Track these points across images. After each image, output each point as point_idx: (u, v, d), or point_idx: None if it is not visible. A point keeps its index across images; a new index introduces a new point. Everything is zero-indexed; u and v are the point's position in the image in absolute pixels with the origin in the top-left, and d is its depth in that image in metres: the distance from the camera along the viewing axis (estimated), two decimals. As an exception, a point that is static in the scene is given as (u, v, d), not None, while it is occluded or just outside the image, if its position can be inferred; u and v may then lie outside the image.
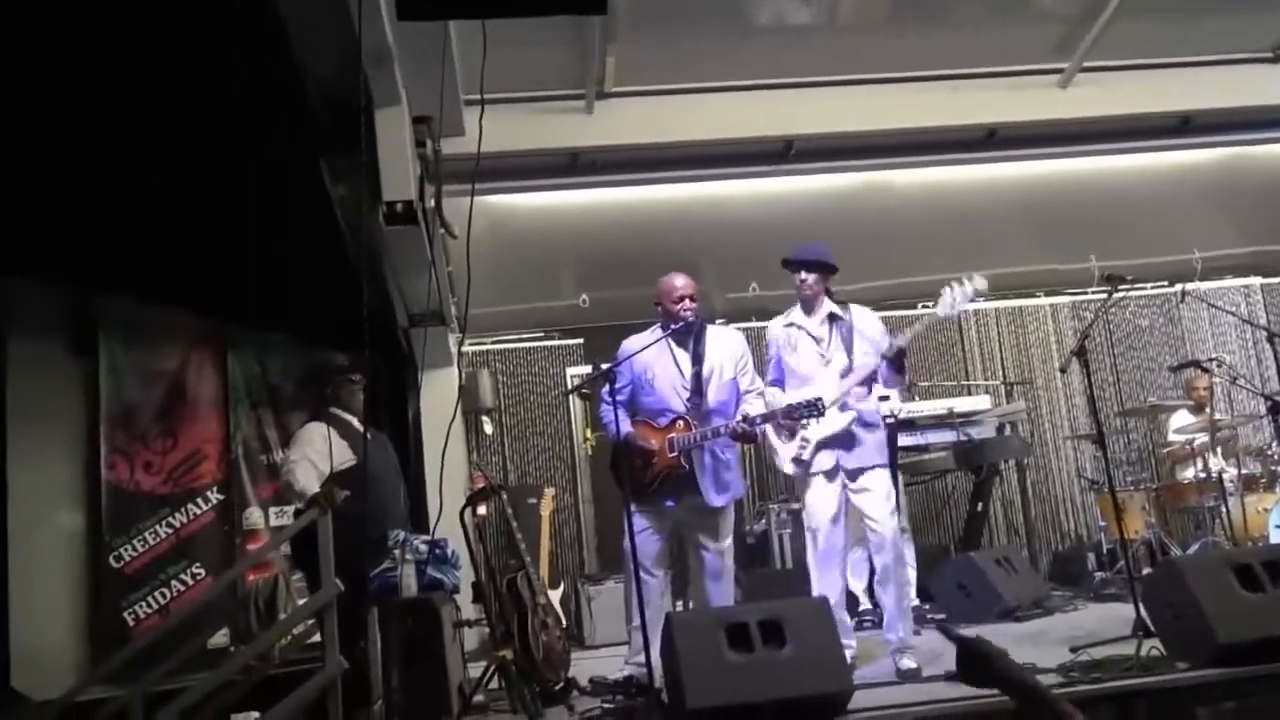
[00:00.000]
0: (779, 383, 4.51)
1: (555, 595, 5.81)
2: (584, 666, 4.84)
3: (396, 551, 4.24)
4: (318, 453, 4.46)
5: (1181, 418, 6.78)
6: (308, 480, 4.39)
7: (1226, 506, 5.95)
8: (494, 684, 4.28)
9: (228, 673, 3.94)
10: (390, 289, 5.43)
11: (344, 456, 4.42)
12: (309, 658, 4.20)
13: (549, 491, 6.94)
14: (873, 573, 4.63)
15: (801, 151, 6.73)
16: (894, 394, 6.11)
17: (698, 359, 4.47)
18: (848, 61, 6.49)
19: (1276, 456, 6.24)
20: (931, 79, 6.65)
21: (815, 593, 4.17)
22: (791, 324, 4.50)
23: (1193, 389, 6.82)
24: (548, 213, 7.10)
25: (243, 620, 5.77)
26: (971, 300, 4.21)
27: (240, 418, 6.57)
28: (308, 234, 4.73)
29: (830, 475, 4.29)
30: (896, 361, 4.25)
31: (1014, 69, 6.71)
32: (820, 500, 4.30)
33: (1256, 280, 8.28)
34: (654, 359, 4.48)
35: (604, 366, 4.37)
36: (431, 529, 4.41)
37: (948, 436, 6.57)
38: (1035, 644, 4.52)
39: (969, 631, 1.85)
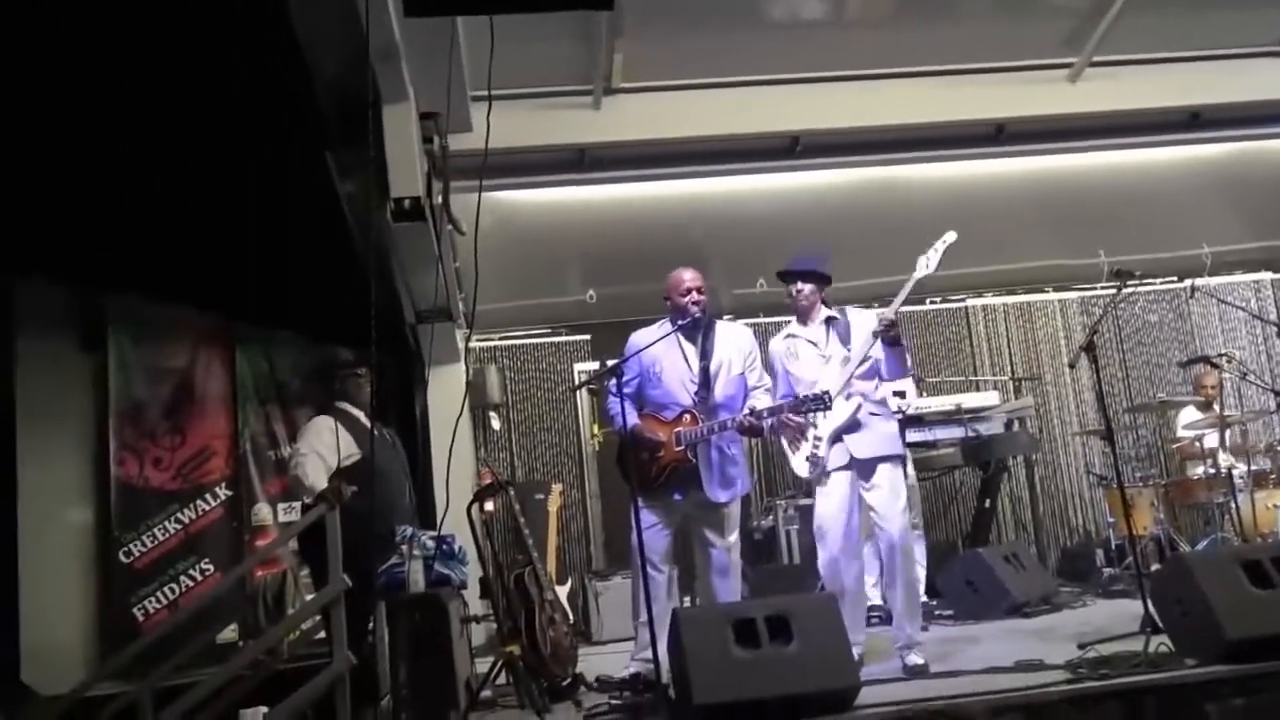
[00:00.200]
0: (789, 397, 4.45)
1: (563, 591, 5.80)
2: (591, 662, 4.84)
3: (404, 547, 4.23)
4: (326, 446, 4.45)
5: (1191, 413, 6.75)
6: (316, 475, 4.39)
7: (1236, 502, 5.92)
8: (501, 679, 4.28)
9: (236, 668, 3.95)
10: (398, 285, 5.43)
11: (350, 450, 4.42)
12: (317, 653, 4.20)
13: (556, 487, 6.95)
14: (882, 569, 4.62)
15: (809, 147, 6.72)
16: (908, 387, 6.10)
17: (706, 354, 4.46)
18: (855, 57, 6.47)
19: (1287, 452, 6.22)
20: (940, 74, 6.64)
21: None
22: (790, 335, 4.53)
23: (1202, 385, 6.79)
24: (555, 208, 7.10)
25: (251, 616, 5.76)
26: (941, 253, 4.30)
27: (248, 414, 6.60)
28: (315, 230, 4.74)
29: (844, 470, 4.30)
30: (891, 338, 4.23)
31: (1023, 64, 6.69)
32: (832, 504, 4.31)
33: (1267, 275, 8.27)
34: (663, 353, 4.47)
35: (611, 364, 4.36)
36: (439, 524, 4.42)
37: (956, 432, 6.56)
38: (1043, 640, 4.52)
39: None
